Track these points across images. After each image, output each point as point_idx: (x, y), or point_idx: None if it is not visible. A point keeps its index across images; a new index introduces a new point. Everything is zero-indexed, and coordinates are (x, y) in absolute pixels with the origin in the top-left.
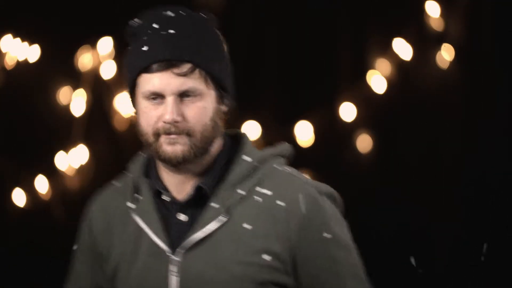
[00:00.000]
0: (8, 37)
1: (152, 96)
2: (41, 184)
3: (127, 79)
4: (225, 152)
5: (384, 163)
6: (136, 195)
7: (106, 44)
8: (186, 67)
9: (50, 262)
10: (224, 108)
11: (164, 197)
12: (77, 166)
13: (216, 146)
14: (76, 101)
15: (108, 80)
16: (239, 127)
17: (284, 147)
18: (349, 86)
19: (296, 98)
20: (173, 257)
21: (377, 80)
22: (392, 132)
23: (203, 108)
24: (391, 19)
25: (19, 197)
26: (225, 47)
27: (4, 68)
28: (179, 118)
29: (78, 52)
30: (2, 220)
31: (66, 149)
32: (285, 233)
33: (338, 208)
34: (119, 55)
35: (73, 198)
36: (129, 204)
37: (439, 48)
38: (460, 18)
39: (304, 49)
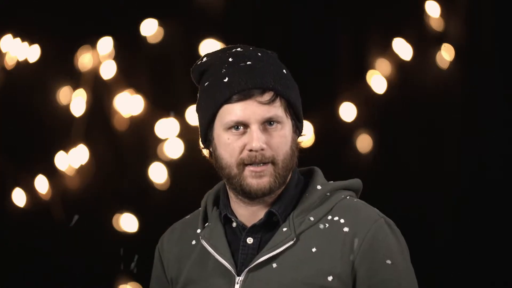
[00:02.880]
0: (8, 37)
1: (235, 127)
2: (41, 184)
3: (206, 113)
4: (296, 182)
5: (384, 163)
6: (206, 224)
7: (106, 44)
8: (269, 95)
9: (50, 262)
10: (297, 137)
11: (233, 223)
12: (77, 166)
13: (288, 176)
14: (76, 101)
15: (108, 80)
16: None
17: (355, 182)
18: (349, 86)
19: None
20: (238, 277)
21: (377, 80)
22: (392, 132)
23: (284, 137)
24: (391, 19)
25: (19, 197)
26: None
27: (4, 68)
28: (265, 146)
29: (78, 52)
30: (2, 220)
31: (66, 149)
32: (349, 254)
33: (401, 238)
34: (119, 55)
35: (73, 198)
36: (198, 231)
37: (439, 48)
38: (460, 18)
39: (304, 49)
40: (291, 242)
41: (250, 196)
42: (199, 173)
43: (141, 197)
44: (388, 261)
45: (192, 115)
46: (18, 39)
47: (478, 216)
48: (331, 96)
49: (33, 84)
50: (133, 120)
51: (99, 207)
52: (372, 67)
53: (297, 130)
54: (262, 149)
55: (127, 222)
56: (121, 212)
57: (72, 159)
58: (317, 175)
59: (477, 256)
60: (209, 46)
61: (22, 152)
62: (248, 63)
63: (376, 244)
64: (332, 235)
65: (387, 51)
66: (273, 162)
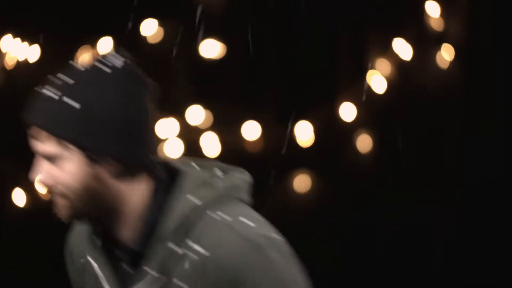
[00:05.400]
0: (8, 37)
1: None
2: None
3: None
4: (152, 199)
5: (384, 163)
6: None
7: (106, 44)
8: (34, 130)
9: (50, 262)
10: (103, 169)
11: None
12: None
13: (136, 197)
14: None
15: None
16: (239, 127)
17: (239, 183)
18: (349, 86)
19: (296, 98)
20: None
21: (377, 80)
22: (392, 132)
23: (69, 173)
24: (391, 19)
25: (19, 197)
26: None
27: (4, 68)
28: (41, 178)
29: (78, 52)
30: (2, 220)
31: None
32: None
33: (282, 258)
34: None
35: None
36: (88, 248)
37: (439, 48)
38: (460, 18)
39: (304, 49)
40: (160, 281)
41: None
42: None
43: None
44: None
45: (192, 115)
46: (18, 39)
47: (479, 216)
48: (331, 96)
49: (33, 84)
50: None
51: None
52: (372, 67)
53: (97, 161)
54: (47, 184)
55: None
56: None
57: None
58: (176, 185)
59: (477, 256)
60: (209, 46)
61: (22, 152)
62: (46, 92)
63: (242, 279)
64: (197, 267)
65: (387, 51)
66: (64, 197)
